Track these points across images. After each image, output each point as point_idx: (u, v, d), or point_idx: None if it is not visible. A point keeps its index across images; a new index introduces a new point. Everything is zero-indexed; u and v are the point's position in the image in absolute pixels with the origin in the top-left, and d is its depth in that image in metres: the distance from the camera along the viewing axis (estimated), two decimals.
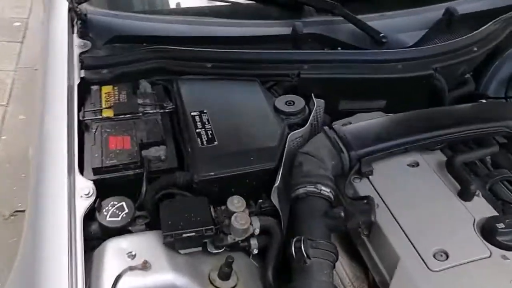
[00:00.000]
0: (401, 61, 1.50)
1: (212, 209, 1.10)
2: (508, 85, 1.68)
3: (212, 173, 1.14)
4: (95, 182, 1.13)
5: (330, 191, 1.12)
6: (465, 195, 1.13)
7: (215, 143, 1.21)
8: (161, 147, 1.24)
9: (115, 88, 1.44)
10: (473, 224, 1.06)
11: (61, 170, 1.13)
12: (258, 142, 1.22)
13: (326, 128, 1.27)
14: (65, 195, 1.08)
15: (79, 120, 1.29)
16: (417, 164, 1.24)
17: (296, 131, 1.27)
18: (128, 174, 1.19)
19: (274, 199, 1.15)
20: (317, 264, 0.99)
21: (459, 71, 1.64)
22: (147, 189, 1.14)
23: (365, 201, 1.11)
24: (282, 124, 1.30)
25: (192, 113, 1.31)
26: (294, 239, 1.02)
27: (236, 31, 1.62)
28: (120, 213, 1.07)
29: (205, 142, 1.21)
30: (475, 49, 1.61)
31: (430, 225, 1.07)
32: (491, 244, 1.01)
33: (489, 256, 0.99)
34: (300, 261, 0.99)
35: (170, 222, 1.02)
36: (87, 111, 1.33)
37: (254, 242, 1.12)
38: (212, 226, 1.03)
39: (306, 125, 1.30)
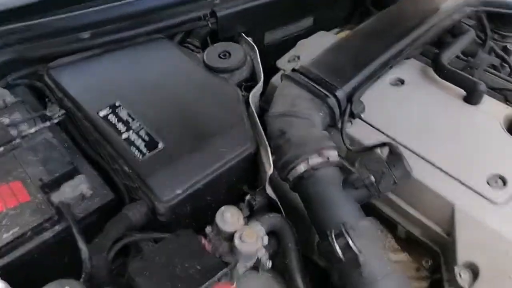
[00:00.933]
0: None
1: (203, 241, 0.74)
2: None
3: (180, 191, 0.77)
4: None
5: (338, 154, 0.85)
6: (474, 98, 0.94)
7: (160, 145, 0.82)
8: (78, 178, 0.80)
9: None
10: (502, 128, 0.89)
11: None
12: (218, 123, 0.86)
13: (287, 73, 0.96)
14: None
15: None
16: (402, 82, 1.01)
17: (255, 89, 0.93)
18: (44, 240, 0.75)
19: (270, 190, 0.84)
20: (373, 256, 0.74)
21: None
22: (91, 252, 0.73)
23: (381, 149, 0.86)
24: (230, 87, 0.94)
25: (101, 113, 0.87)
26: (332, 233, 0.74)
27: None
28: None
29: (144, 150, 0.81)
30: None
31: (461, 149, 0.87)
32: None
33: None
34: (354, 261, 0.72)
35: None
36: None
37: (262, 253, 0.81)
38: (225, 268, 0.69)
39: (261, 79, 0.96)
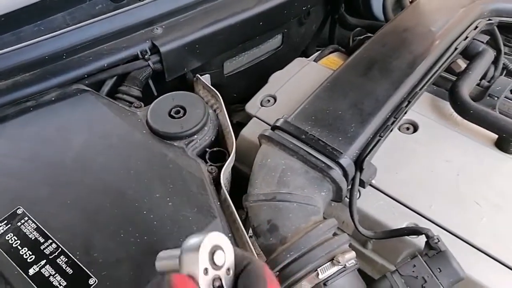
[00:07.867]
0: None
1: None
2: None
3: None
4: None
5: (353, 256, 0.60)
6: (510, 145, 0.73)
7: (92, 281, 0.52)
8: None
9: None
10: None
11: None
12: (176, 223, 0.57)
13: (267, 132, 0.68)
14: None
15: None
16: (415, 126, 0.78)
17: (227, 163, 0.65)
18: None
19: None
20: None
21: None
22: None
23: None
24: (190, 161, 0.65)
25: None
26: None
27: None
28: None
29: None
30: None
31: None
32: None
33: None
34: None
35: None
36: None
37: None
38: None
39: (233, 145, 0.68)
